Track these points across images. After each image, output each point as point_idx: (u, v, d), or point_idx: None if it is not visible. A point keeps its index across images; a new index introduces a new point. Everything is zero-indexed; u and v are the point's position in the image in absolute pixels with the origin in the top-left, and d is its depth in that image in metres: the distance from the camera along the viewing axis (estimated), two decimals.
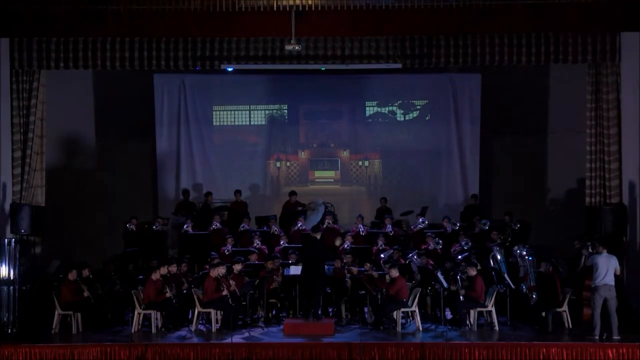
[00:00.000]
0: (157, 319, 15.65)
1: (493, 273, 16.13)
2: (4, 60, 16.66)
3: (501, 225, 18.73)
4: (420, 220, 19.07)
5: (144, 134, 21.36)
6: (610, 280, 14.30)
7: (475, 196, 20.55)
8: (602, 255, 14.44)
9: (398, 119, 21.97)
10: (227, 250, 17.66)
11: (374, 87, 21.55)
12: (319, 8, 16.09)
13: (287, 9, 16.04)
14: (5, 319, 15.55)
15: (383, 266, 16.52)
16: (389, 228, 18.77)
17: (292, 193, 20.36)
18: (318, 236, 16.07)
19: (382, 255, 17.35)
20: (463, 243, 17.82)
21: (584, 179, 17.26)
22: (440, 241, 18.02)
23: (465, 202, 20.84)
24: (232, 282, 15.60)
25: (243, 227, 18.85)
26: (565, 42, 16.54)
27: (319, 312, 15.49)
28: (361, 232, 18.50)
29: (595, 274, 14.30)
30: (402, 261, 16.88)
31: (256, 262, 17.08)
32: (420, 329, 15.40)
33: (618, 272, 14.50)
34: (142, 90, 21.12)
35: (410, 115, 21.95)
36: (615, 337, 14.23)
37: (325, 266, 16.06)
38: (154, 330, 15.49)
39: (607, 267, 14.30)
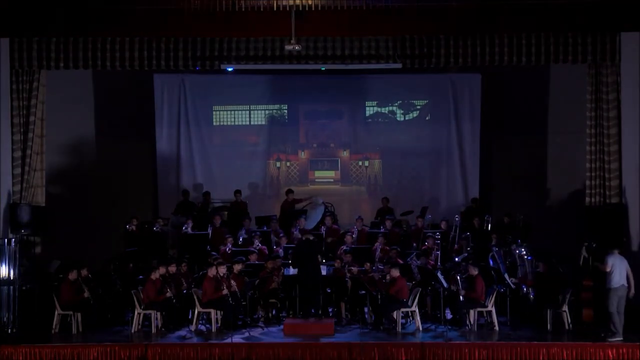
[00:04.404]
0: (157, 319, 15.65)
1: (493, 273, 16.13)
2: (4, 60, 16.65)
3: (501, 225, 18.73)
4: (428, 217, 19.01)
5: (144, 134, 21.35)
6: (625, 281, 14.57)
7: (475, 200, 20.55)
8: (617, 256, 14.67)
9: (398, 119, 21.97)
10: (229, 249, 17.63)
11: (374, 87, 21.54)
12: (319, 8, 16.05)
13: (287, 9, 16.01)
14: (5, 319, 15.55)
15: (384, 267, 16.51)
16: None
17: (289, 191, 20.27)
18: (310, 237, 16.22)
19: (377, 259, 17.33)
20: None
21: (584, 179, 17.25)
22: (438, 238, 18.01)
23: (466, 203, 20.85)
24: (233, 283, 15.61)
25: (241, 234, 18.47)
26: (565, 42, 16.52)
27: (320, 311, 15.74)
28: (353, 236, 18.21)
29: (612, 275, 14.51)
30: (401, 261, 16.87)
31: (256, 262, 17.08)
32: (420, 329, 15.40)
33: (630, 274, 14.69)
34: (142, 90, 21.12)
35: (410, 115, 21.95)
36: (619, 338, 14.28)
37: (321, 266, 16.24)
38: (154, 330, 15.50)
39: (622, 269, 14.55)
